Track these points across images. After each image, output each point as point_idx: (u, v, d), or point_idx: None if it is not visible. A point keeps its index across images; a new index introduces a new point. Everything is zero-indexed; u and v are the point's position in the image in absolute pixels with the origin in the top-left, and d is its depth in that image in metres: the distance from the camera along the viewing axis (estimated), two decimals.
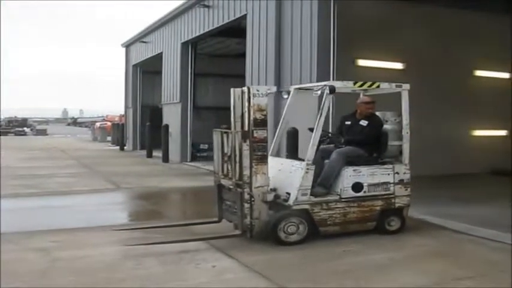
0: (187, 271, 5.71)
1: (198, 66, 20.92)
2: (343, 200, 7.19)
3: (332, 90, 7.05)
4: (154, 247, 6.48)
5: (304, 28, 12.06)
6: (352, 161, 7.37)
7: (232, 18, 15.97)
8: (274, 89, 7.42)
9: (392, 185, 7.49)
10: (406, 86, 7.74)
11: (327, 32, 11.45)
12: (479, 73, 15.28)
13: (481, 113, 14.74)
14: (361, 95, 8.15)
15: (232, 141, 6.86)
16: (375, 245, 6.83)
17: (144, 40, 25.66)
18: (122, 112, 32.12)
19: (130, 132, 28.21)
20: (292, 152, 9.55)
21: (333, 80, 10.86)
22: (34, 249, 6.52)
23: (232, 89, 7.26)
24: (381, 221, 7.42)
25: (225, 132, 7.05)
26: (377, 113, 7.99)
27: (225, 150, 7.03)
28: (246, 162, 6.71)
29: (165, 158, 19.79)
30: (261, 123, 6.77)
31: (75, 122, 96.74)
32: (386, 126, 7.86)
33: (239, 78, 15.89)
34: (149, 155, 21.79)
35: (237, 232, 6.89)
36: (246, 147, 6.70)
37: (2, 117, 58.23)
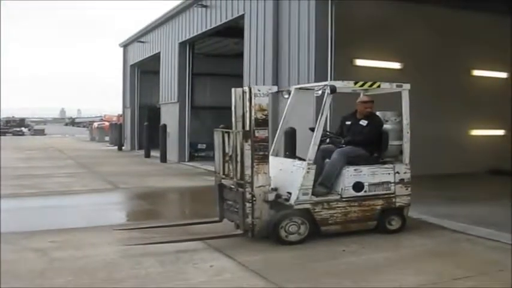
0: (185, 271, 5.71)
1: (195, 66, 20.94)
2: (344, 199, 7.21)
3: (333, 90, 7.07)
4: (152, 247, 6.48)
5: (302, 28, 12.08)
6: (353, 160, 7.39)
7: (230, 18, 15.98)
8: (275, 88, 7.44)
9: (393, 184, 7.51)
10: (407, 86, 7.76)
11: (324, 32, 11.48)
12: (477, 73, 15.30)
13: (478, 113, 14.75)
14: (361, 95, 8.16)
15: (233, 141, 6.88)
16: (372, 245, 6.83)
17: (141, 40, 25.65)
18: (120, 112, 32.12)
19: (128, 132, 28.21)
20: (290, 152, 9.57)
21: (331, 79, 10.88)
22: (32, 250, 6.51)
23: (233, 89, 7.27)
24: (382, 220, 7.45)
25: (226, 132, 7.07)
26: (377, 113, 8.02)
27: (226, 150, 7.04)
28: (248, 161, 6.73)
29: (163, 158, 19.78)
30: (262, 123, 6.79)
31: (73, 122, 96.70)
32: (386, 126, 7.87)
33: (237, 78, 15.88)
34: (147, 155, 21.78)
35: (239, 232, 6.91)
36: (247, 146, 6.72)
37: (0, 117, 58.19)
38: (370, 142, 7.63)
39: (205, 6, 17.44)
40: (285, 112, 8.15)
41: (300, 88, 8.48)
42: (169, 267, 5.79)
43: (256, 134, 6.75)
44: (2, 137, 40.49)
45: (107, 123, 40.26)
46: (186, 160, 19.95)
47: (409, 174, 7.65)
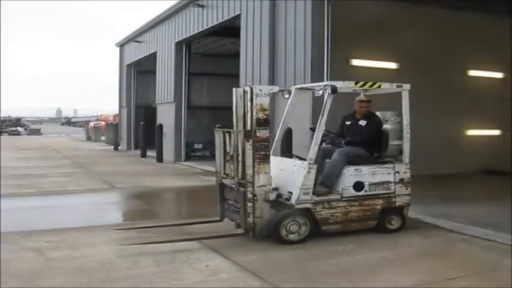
0: (180, 271, 5.71)
1: (192, 66, 20.93)
2: (344, 199, 7.24)
3: (334, 90, 7.08)
4: (150, 246, 6.49)
5: (298, 28, 12.09)
6: (353, 160, 7.43)
7: (226, 17, 15.98)
8: (276, 89, 7.45)
9: (393, 184, 7.55)
10: (407, 86, 7.80)
11: (320, 32, 11.48)
12: (472, 73, 15.33)
13: (474, 113, 14.79)
14: (361, 95, 8.18)
15: (234, 140, 6.91)
16: (369, 245, 6.85)
17: (138, 40, 25.62)
18: (116, 112, 32.09)
19: (125, 132, 28.18)
20: (286, 151, 9.58)
21: (327, 79, 10.91)
22: (29, 249, 6.51)
23: (234, 89, 7.31)
24: (382, 219, 7.48)
25: (228, 132, 7.09)
26: (377, 113, 8.05)
27: (228, 150, 7.06)
28: (249, 161, 6.75)
29: (159, 158, 19.77)
30: (264, 123, 6.82)
31: (69, 122, 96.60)
32: (386, 126, 7.91)
33: (233, 78, 15.90)
34: (143, 155, 21.76)
35: (240, 231, 6.94)
36: (249, 146, 6.75)
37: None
38: (369, 142, 7.66)
39: (202, 6, 17.44)
40: (285, 112, 8.17)
41: (301, 88, 8.52)
42: (165, 267, 5.79)
43: (258, 134, 6.78)
44: None
45: (103, 123, 40.21)
46: (183, 160, 19.94)
47: (409, 174, 7.69)
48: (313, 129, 7.35)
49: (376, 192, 7.44)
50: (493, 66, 15.30)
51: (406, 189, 7.65)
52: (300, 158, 7.48)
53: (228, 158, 7.08)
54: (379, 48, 13.17)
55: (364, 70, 12.97)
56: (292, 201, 6.97)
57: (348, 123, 8.06)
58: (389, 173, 7.54)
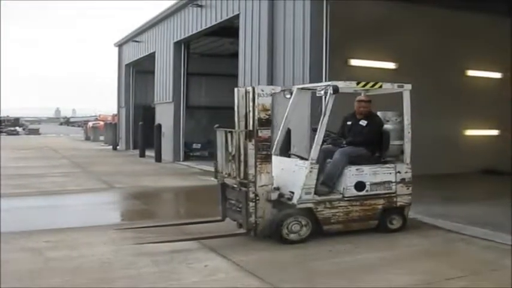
0: (179, 271, 5.71)
1: (190, 66, 20.92)
2: (346, 198, 7.27)
3: (336, 90, 7.09)
4: (149, 246, 6.50)
5: (297, 28, 12.08)
6: (354, 160, 7.45)
7: (224, 17, 15.97)
8: (278, 89, 7.46)
9: (394, 184, 7.57)
10: (408, 87, 7.82)
11: (319, 32, 11.48)
12: (471, 73, 15.33)
13: (472, 113, 14.80)
14: (362, 95, 8.19)
15: (236, 140, 6.92)
16: (367, 245, 6.86)
17: (136, 40, 25.60)
18: (115, 112, 32.07)
19: (123, 132, 28.15)
20: (285, 151, 9.58)
21: (326, 79, 10.90)
22: (27, 249, 6.51)
23: (236, 89, 7.34)
24: (383, 219, 7.51)
25: (229, 132, 7.10)
26: (378, 113, 8.07)
27: (229, 149, 7.07)
28: (251, 161, 6.77)
29: (158, 158, 19.76)
30: (266, 123, 6.84)
31: (67, 122, 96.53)
32: (387, 126, 7.92)
33: (232, 78, 15.90)
34: (142, 155, 21.75)
35: (242, 231, 6.95)
36: (251, 146, 6.76)
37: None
38: (370, 142, 7.68)
39: (201, 6, 17.42)
40: (287, 112, 8.18)
41: (303, 88, 8.54)
42: (163, 267, 5.79)
43: (260, 134, 6.80)
44: None
45: (101, 123, 40.22)
46: (181, 160, 19.93)
47: (410, 173, 7.71)
48: (315, 130, 7.37)
49: (378, 192, 7.46)
50: (491, 66, 15.30)
51: (407, 189, 7.67)
52: (302, 158, 7.51)
53: (229, 157, 7.09)
54: (378, 48, 13.18)
55: (363, 70, 12.97)
56: (294, 200, 6.99)
57: (349, 123, 8.08)
58: (390, 173, 7.56)
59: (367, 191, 7.38)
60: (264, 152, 6.85)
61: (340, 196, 7.27)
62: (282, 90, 7.75)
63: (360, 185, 7.35)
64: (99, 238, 7.13)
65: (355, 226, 7.33)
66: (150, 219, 8.88)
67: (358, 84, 7.59)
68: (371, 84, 7.67)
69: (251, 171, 6.78)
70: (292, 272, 5.75)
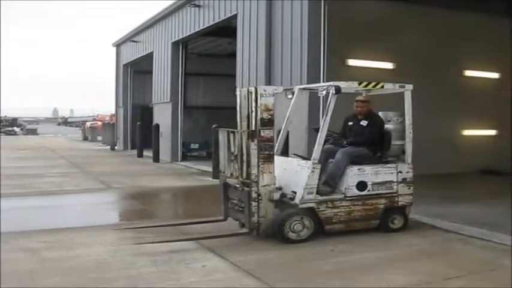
0: (176, 271, 5.70)
1: (188, 66, 20.91)
2: (347, 198, 7.29)
3: (338, 90, 7.10)
4: (146, 246, 6.48)
5: (295, 28, 12.09)
6: (356, 160, 7.48)
7: (222, 17, 15.97)
8: (280, 89, 7.47)
9: (395, 183, 7.59)
10: (409, 87, 7.84)
11: (317, 32, 11.49)
12: (468, 73, 15.33)
13: (470, 113, 14.80)
14: (363, 94, 8.19)
15: (239, 140, 6.93)
16: (365, 245, 6.86)
17: (134, 39, 25.58)
18: (113, 112, 32.05)
19: (121, 132, 28.14)
20: (283, 151, 9.59)
21: (324, 79, 10.92)
22: (24, 249, 6.50)
23: (238, 89, 7.39)
24: (385, 219, 7.53)
25: (232, 132, 7.11)
26: (380, 113, 8.09)
27: (232, 149, 7.08)
28: (254, 161, 6.78)
29: (156, 158, 19.74)
30: (268, 123, 6.85)
31: (65, 122, 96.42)
32: (388, 126, 7.95)
33: (230, 78, 15.89)
34: (140, 155, 21.73)
35: (244, 230, 6.96)
36: (253, 146, 6.78)
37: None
38: (371, 142, 7.71)
39: (198, 6, 17.42)
40: (288, 112, 8.19)
41: (304, 88, 8.54)
42: (161, 267, 5.79)
43: (262, 134, 6.82)
44: None
45: (99, 123, 40.20)
46: (179, 160, 19.92)
47: (412, 173, 7.73)
48: (316, 130, 7.39)
49: (379, 191, 7.49)
50: (489, 66, 15.31)
51: (409, 188, 7.70)
52: (303, 158, 7.54)
53: (232, 157, 7.10)
54: (376, 48, 13.17)
55: (360, 70, 12.96)
56: (296, 200, 7.02)
57: (350, 123, 8.10)
58: (392, 173, 7.59)
59: (368, 190, 7.40)
60: (267, 152, 6.87)
61: (342, 196, 7.29)
62: (284, 90, 7.77)
63: (361, 185, 7.37)
64: (96, 238, 7.12)
65: (356, 226, 7.35)
66: (148, 219, 8.87)
67: (360, 84, 7.61)
68: (373, 84, 7.69)
69: (253, 171, 6.80)
70: (290, 272, 5.74)
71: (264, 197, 6.86)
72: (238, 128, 7.19)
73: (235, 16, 15.03)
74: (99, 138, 34.01)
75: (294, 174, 7.27)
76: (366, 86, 7.67)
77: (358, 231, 7.29)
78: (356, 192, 7.33)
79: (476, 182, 13.71)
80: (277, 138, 7.87)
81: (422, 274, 5.67)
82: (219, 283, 5.36)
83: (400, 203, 7.63)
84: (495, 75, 15.80)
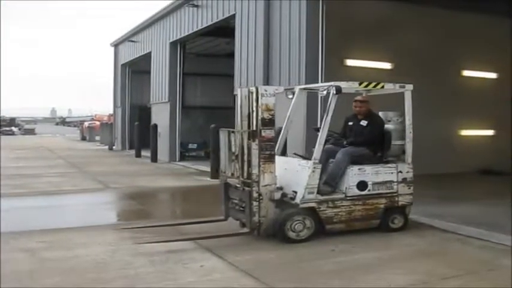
0: (174, 271, 5.69)
1: (186, 66, 20.89)
2: (348, 198, 7.30)
3: (338, 90, 7.11)
4: (144, 246, 6.47)
5: (293, 28, 12.08)
6: (357, 160, 7.48)
7: (220, 17, 15.95)
8: (281, 89, 7.47)
9: (395, 183, 7.60)
10: (410, 87, 7.86)
11: (315, 32, 11.48)
12: (467, 73, 15.34)
13: (468, 113, 14.80)
14: (363, 94, 8.20)
15: (239, 140, 6.93)
16: (363, 244, 6.86)
17: (132, 39, 25.56)
18: (111, 112, 32.03)
19: (119, 132, 28.11)
20: (281, 151, 9.61)
21: (322, 79, 10.92)
22: (22, 250, 6.48)
23: (239, 89, 7.38)
24: (385, 219, 7.54)
25: (233, 132, 7.11)
26: (380, 113, 8.10)
27: (233, 149, 7.07)
28: (255, 161, 6.78)
29: (154, 158, 19.73)
30: (269, 123, 6.85)
31: (63, 122, 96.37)
32: (389, 126, 7.96)
33: (228, 78, 15.89)
34: (138, 155, 21.72)
35: (245, 230, 6.96)
36: (254, 146, 6.77)
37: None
38: (371, 142, 7.72)
39: (197, 6, 17.40)
40: (289, 112, 8.19)
41: (305, 88, 8.55)
42: (159, 267, 5.78)
43: (263, 134, 6.81)
44: None
45: (97, 123, 40.16)
46: (177, 160, 19.90)
47: (412, 173, 7.74)
48: (317, 130, 7.40)
49: (380, 191, 7.50)
50: (487, 66, 15.32)
51: (409, 188, 7.71)
52: (304, 158, 7.54)
53: (233, 157, 7.10)
54: (374, 48, 13.18)
55: (358, 70, 12.97)
56: (297, 200, 7.02)
57: (350, 123, 8.11)
58: (392, 173, 7.60)
59: (369, 190, 7.41)
60: (268, 152, 6.87)
61: (342, 196, 7.30)
62: (285, 90, 7.77)
63: (362, 185, 7.38)
64: (95, 238, 7.10)
65: (357, 225, 7.36)
66: (146, 219, 8.86)
67: (360, 84, 7.62)
68: (373, 84, 7.70)
69: (254, 170, 6.80)
70: (288, 272, 5.73)
71: (264, 196, 6.86)
72: (238, 127, 7.19)
73: (233, 16, 15.02)
74: (97, 138, 34.00)
75: (294, 174, 7.27)
76: (366, 86, 7.68)
77: (358, 231, 7.30)
78: (356, 192, 7.34)
79: (476, 182, 13.73)
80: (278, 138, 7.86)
81: (421, 274, 5.67)
82: (217, 283, 5.35)
83: (400, 203, 7.64)
84: (494, 75, 15.80)
